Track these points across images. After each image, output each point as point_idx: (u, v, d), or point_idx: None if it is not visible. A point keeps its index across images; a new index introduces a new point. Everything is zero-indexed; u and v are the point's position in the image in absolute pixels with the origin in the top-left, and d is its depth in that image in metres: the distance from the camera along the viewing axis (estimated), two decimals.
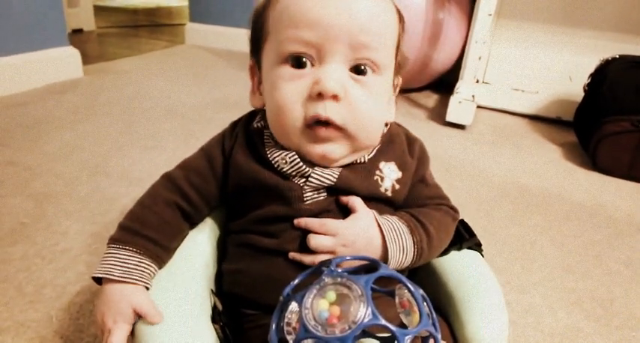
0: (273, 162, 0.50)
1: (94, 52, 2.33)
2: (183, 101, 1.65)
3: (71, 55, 1.79)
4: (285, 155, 0.50)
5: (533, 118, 1.83)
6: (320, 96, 0.45)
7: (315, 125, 0.47)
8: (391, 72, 0.52)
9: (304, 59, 0.47)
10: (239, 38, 2.51)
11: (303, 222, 0.48)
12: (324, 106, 0.46)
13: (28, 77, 1.62)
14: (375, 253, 0.48)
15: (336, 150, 0.49)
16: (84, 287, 0.72)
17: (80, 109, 1.49)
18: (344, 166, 0.51)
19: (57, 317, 0.66)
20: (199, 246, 0.55)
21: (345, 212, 0.50)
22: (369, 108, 0.48)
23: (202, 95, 1.74)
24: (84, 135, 1.29)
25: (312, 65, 0.47)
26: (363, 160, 0.52)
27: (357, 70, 0.48)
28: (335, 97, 0.46)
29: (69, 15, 2.53)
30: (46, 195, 0.97)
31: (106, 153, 1.20)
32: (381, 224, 0.49)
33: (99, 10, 3.16)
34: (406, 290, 0.34)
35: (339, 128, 0.47)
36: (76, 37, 2.66)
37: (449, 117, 1.62)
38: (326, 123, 0.46)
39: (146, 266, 0.49)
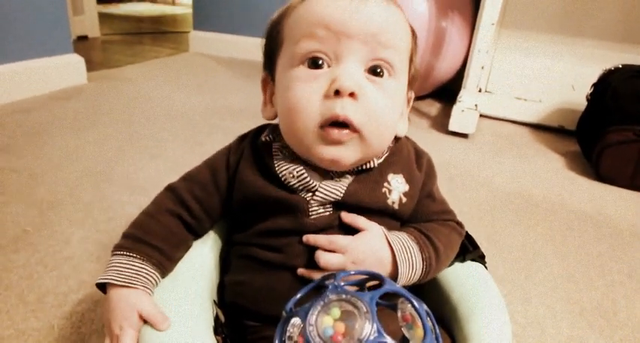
0: (280, 175, 0.50)
1: (98, 59, 2.34)
2: (187, 108, 1.66)
3: (75, 62, 1.81)
4: (293, 169, 0.50)
5: (536, 127, 1.83)
6: (337, 94, 0.45)
7: (329, 126, 0.46)
8: (405, 79, 0.52)
9: (320, 61, 0.47)
10: (243, 46, 2.53)
11: (312, 239, 0.48)
12: (341, 105, 0.45)
13: (32, 84, 1.63)
14: (385, 270, 0.48)
15: (347, 155, 0.48)
16: (86, 296, 0.72)
17: (84, 116, 1.49)
18: (352, 176, 0.51)
19: (58, 325, 0.66)
20: (202, 257, 0.55)
21: (349, 228, 0.50)
22: (384, 109, 0.48)
23: (206, 102, 1.74)
24: (88, 142, 1.30)
25: (329, 66, 0.47)
26: (372, 165, 0.51)
27: (374, 71, 0.48)
28: (352, 95, 0.45)
29: (74, 22, 2.56)
30: (50, 203, 0.97)
31: (109, 160, 1.20)
32: (391, 241, 0.49)
33: (104, 18, 3.19)
34: (409, 305, 0.33)
35: (354, 129, 0.46)
36: (81, 43, 2.68)
37: (452, 126, 1.62)
38: (341, 125, 0.46)
39: (149, 272, 0.49)
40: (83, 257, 0.81)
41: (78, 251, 0.83)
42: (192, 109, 1.65)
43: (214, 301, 0.51)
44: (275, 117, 0.54)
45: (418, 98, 2.04)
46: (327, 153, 0.47)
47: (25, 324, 0.66)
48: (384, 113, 0.48)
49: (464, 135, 1.63)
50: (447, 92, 1.99)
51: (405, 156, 0.55)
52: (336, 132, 0.46)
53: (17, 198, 0.98)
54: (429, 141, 1.55)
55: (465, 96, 1.62)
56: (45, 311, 0.69)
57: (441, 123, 1.73)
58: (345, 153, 0.47)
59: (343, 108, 0.45)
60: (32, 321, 0.67)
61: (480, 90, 1.83)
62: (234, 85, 2.03)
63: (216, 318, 0.49)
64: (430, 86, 1.95)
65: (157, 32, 3.41)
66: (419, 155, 0.57)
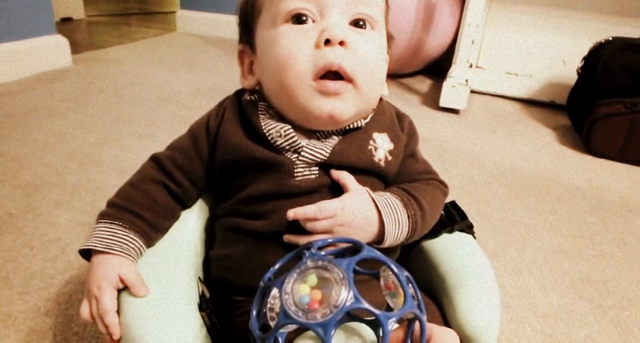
0: (267, 134, 0.49)
1: (83, 41, 2.30)
2: (175, 89, 1.63)
3: (59, 43, 1.77)
4: (281, 128, 0.49)
5: (527, 102, 1.82)
6: (328, 43, 0.46)
7: (324, 78, 0.46)
8: (384, 33, 0.53)
9: (304, 17, 0.47)
10: (230, 25, 2.48)
11: (301, 212, 0.45)
12: (334, 52, 0.46)
13: (15, 66, 1.59)
14: (372, 229, 0.48)
15: (344, 108, 0.47)
16: (73, 277, 0.71)
17: (70, 98, 1.47)
18: (338, 136, 0.51)
19: (45, 307, 0.65)
20: (187, 232, 0.54)
21: (335, 192, 0.49)
22: (374, 57, 0.49)
23: (195, 83, 1.72)
24: (74, 124, 1.27)
25: (313, 21, 0.47)
26: (360, 125, 0.51)
27: (357, 24, 0.49)
28: (342, 43, 0.46)
29: (57, 3, 2.49)
30: (35, 186, 0.96)
31: (96, 142, 1.18)
32: (375, 200, 0.48)
33: None
34: (391, 272, 0.33)
35: (348, 79, 0.47)
36: (65, 25, 2.63)
37: (442, 102, 1.60)
38: (335, 75, 0.46)
39: (132, 240, 0.48)
40: (70, 240, 0.80)
41: (64, 233, 0.82)
42: (181, 90, 1.63)
43: (199, 278, 0.51)
44: (256, 85, 0.54)
45: (408, 75, 2.02)
46: (325, 106, 0.47)
47: (11, 307, 0.65)
48: (374, 61, 0.49)
49: (455, 111, 1.62)
50: (438, 69, 1.98)
51: (388, 116, 0.55)
52: (331, 83, 0.46)
53: (2, 182, 0.96)
54: (420, 117, 1.54)
55: (456, 72, 1.61)
56: (31, 293, 0.68)
57: (432, 100, 1.72)
58: (342, 106, 0.47)
59: (336, 56, 0.46)
60: (18, 304, 0.66)
61: (470, 66, 1.81)
62: (222, 64, 2.00)
63: (202, 295, 0.48)
64: (420, 62, 1.93)
65: (144, 12, 3.34)
66: (400, 117, 0.57)
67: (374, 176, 0.52)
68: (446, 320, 0.49)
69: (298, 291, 0.29)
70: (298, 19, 0.47)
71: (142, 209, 0.50)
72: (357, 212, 0.47)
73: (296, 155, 0.49)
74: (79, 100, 1.46)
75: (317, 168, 0.49)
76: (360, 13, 0.48)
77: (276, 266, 0.36)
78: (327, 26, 0.46)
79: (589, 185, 1.18)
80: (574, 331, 0.70)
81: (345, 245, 0.37)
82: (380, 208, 0.48)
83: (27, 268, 0.73)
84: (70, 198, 0.93)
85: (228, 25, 2.48)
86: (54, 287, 0.69)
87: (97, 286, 0.45)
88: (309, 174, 0.49)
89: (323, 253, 0.32)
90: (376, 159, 0.51)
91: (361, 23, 0.49)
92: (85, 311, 0.45)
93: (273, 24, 0.48)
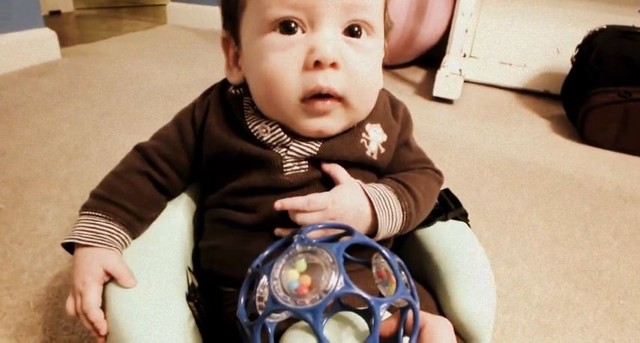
0: (252, 130, 0.48)
1: (72, 34, 2.27)
2: (166, 82, 1.61)
3: (47, 36, 1.74)
4: (267, 124, 0.48)
5: (521, 92, 1.81)
6: (317, 65, 0.43)
7: (313, 98, 0.44)
8: (382, 34, 0.49)
9: (293, 24, 0.43)
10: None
11: (288, 203, 0.44)
12: (324, 76, 0.43)
13: (2, 60, 1.56)
14: (365, 223, 0.47)
15: (334, 125, 0.47)
16: (62, 272, 0.70)
17: (58, 93, 1.44)
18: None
19: (34, 302, 0.64)
20: (175, 223, 0.53)
21: (326, 185, 0.48)
22: (367, 73, 0.46)
23: (186, 76, 1.70)
24: (62, 118, 1.25)
25: (303, 31, 0.44)
26: (354, 125, 0.50)
27: (351, 31, 0.45)
28: (334, 65, 0.43)
29: None
30: (23, 180, 0.94)
31: (85, 136, 1.16)
32: (368, 193, 0.47)
33: None
34: (383, 260, 0.32)
35: (337, 98, 0.44)
36: (54, 19, 2.59)
37: (436, 92, 1.60)
38: (325, 95, 0.44)
39: (115, 231, 0.47)
40: (59, 234, 0.79)
41: (54, 228, 0.80)
42: (172, 83, 1.61)
43: (188, 268, 0.49)
44: (242, 81, 0.51)
45: (402, 65, 2.01)
46: (313, 125, 0.46)
47: (0, 302, 0.64)
48: (366, 76, 0.46)
49: (449, 101, 1.61)
50: (432, 59, 1.96)
51: (382, 106, 0.53)
52: (320, 104, 0.44)
53: None
54: (413, 107, 1.51)
55: (450, 61, 1.59)
56: (20, 288, 0.67)
57: (425, 90, 1.71)
58: (331, 123, 0.46)
59: (326, 80, 0.43)
60: (7, 299, 0.65)
61: (464, 55, 1.80)
62: (213, 56, 1.98)
63: (191, 285, 0.47)
64: (414, 53, 1.92)
65: (134, 5, 3.30)
66: (394, 105, 0.55)
67: (366, 168, 0.51)
68: (441, 310, 0.48)
69: (287, 277, 0.28)
70: (286, 26, 0.44)
71: (125, 200, 0.49)
72: (349, 205, 0.45)
73: (284, 150, 0.48)
74: (67, 94, 1.44)
75: (307, 162, 0.48)
76: (355, 19, 0.44)
77: (266, 252, 0.35)
78: (316, 44, 0.42)
79: (583, 174, 1.17)
80: (569, 320, 0.69)
81: (336, 231, 0.36)
82: (372, 201, 0.46)
83: (16, 263, 0.71)
84: (59, 192, 0.91)
85: (218, 17, 2.45)
86: (43, 281, 0.68)
87: (82, 281, 0.44)
88: (298, 169, 0.48)
89: (315, 241, 0.31)
90: (368, 152, 0.50)
91: (356, 29, 0.45)
92: (70, 307, 0.44)
93: (259, 30, 0.45)
